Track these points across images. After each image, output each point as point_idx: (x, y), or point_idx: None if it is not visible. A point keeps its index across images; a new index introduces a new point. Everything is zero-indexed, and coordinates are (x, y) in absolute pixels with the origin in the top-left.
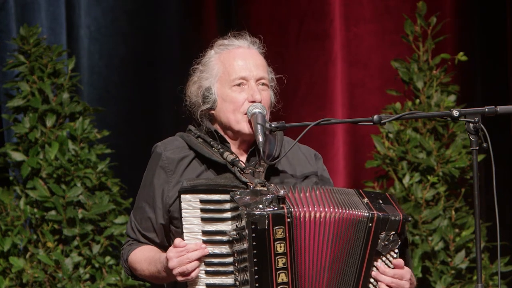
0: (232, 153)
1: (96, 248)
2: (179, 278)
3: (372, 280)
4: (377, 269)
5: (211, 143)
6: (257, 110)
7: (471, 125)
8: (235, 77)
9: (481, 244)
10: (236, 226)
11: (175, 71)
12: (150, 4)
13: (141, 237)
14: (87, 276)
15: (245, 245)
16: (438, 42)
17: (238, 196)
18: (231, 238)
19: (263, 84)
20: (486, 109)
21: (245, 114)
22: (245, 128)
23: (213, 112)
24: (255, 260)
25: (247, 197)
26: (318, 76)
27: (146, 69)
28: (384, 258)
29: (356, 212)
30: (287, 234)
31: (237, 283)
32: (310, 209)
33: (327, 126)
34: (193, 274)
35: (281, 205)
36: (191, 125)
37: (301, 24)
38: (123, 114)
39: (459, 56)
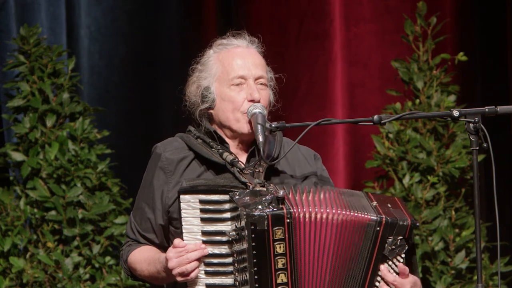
0: (231, 153)
1: (96, 248)
2: (179, 279)
3: (377, 284)
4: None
5: (211, 143)
6: (257, 110)
7: (471, 125)
8: (233, 76)
9: (481, 244)
10: (236, 226)
11: (175, 71)
12: (150, 4)
13: (141, 238)
14: (87, 276)
15: (245, 246)
16: (438, 42)
17: (237, 197)
18: (230, 239)
19: (262, 83)
20: (486, 109)
21: (245, 113)
22: (244, 127)
23: (212, 111)
24: (254, 260)
25: (247, 198)
26: (318, 76)
27: (146, 69)
28: (390, 263)
29: (364, 215)
30: (287, 235)
31: (237, 283)
32: (311, 210)
33: (327, 126)
34: (192, 275)
35: (280, 206)
36: (190, 126)
37: (301, 24)
38: (123, 114)
39: (459, 56)
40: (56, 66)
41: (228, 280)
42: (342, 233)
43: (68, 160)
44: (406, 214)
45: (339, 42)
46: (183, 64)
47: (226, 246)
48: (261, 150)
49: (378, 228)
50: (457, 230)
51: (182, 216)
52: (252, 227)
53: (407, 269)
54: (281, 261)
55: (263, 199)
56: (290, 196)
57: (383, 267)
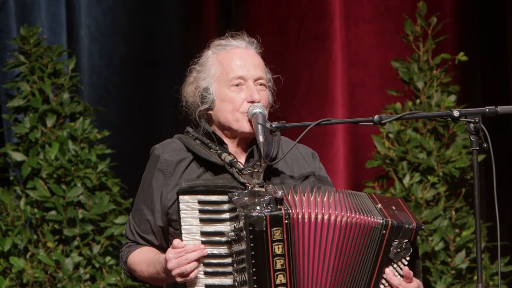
0: (230, 154)
1: (96, 248)
2: (178, 279)
3: (382, 287)
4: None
5: (209, 144)
6: (257, 110)
7: (471, 125)
8: (233, 76)
9: (481, 244)
10: (234, 227)
11: (175, 71)
12: (150, 4)
13: (140, 239)
14: (87, 276)
15: (243, 246)
16: (438, 42)
17: (236, 197)
18: (229, 239)
19: (261, 84)
20: (487, 109)
21: (245, 113)
22: (245, 126)
23: (211, 112)
24: (253, 261)
25: (245, 198)
26: (318, 76)
27: (146, 69)
28: (395, 266)
29: (370, 218)
30: (285, 236)
31: (236, 283)
32: (311, 211)
33: (327, 126)
34: (192, 275)
35: (278, 207)
36: (188, 127)
37: (301, 24)
38: (123, 114)
39: (459, 56)
40: (56, 66)
41: (227, 281)
42: (346, 235)
43: (68, 160)
44: (411, 216)
45: (339, 42)
46: (183, 64)
47: (225, 247)
48: (262, 150)
49: (384, 231)
50: (457, 230)
51: (181, 216)
52: (250, 228)
53: (411, 273)
54: (280, 261)
55: (262, 199)
56: (289, 196)
57: (389, 270)
